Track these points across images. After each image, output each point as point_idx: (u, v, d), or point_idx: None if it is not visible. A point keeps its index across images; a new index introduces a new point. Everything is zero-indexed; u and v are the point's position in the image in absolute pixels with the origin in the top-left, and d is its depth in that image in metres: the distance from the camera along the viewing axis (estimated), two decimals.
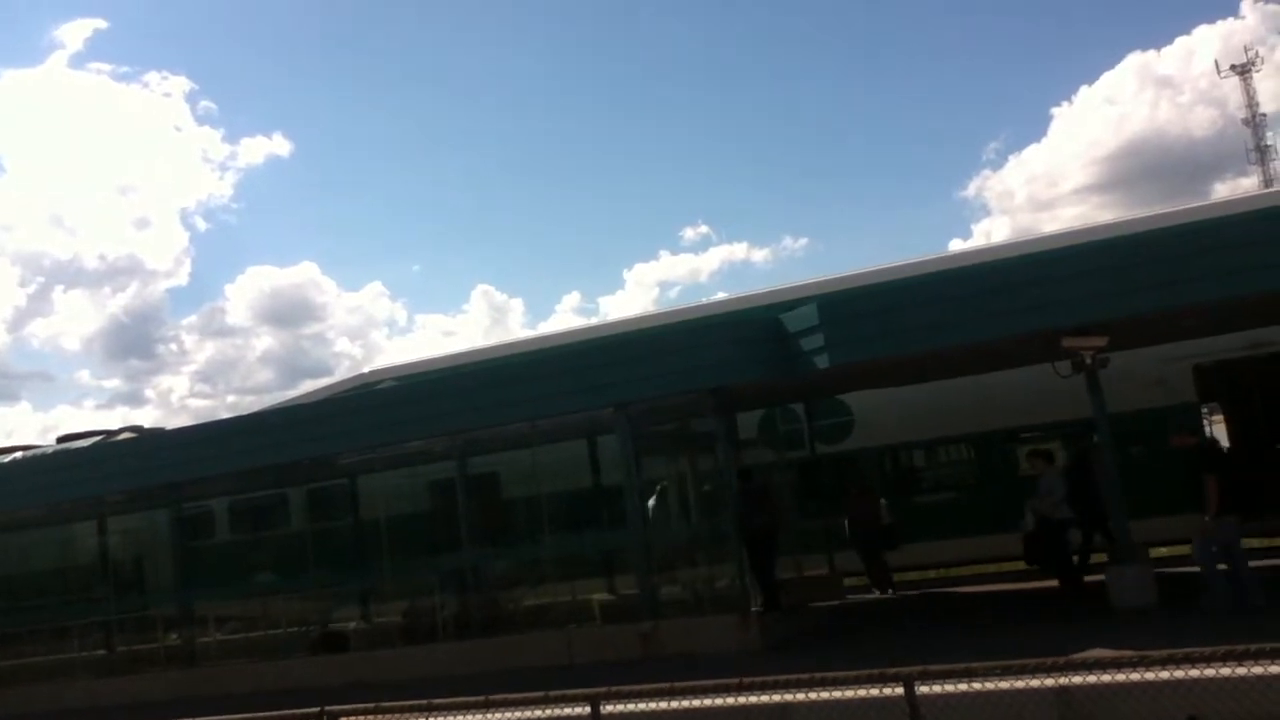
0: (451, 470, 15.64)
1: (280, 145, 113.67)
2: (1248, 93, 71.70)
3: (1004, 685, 7.01)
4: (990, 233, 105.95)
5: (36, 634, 18.98)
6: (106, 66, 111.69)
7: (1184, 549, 15.62)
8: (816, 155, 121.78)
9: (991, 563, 17.24)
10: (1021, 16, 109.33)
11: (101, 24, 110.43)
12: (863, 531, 16.37)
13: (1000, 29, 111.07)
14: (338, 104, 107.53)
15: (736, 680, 7.06)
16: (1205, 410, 17.98)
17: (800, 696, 6.94)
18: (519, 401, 14.17)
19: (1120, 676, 6.28)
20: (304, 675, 14.78)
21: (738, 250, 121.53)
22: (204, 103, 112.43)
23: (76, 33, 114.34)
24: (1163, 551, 15.55)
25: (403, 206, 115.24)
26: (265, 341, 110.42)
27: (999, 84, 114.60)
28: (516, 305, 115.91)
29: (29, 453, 22.21)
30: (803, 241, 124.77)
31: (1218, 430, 18.97)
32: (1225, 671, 5.92)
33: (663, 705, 7.87)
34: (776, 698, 7.28)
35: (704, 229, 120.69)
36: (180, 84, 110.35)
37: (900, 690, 6.47)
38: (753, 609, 13.18)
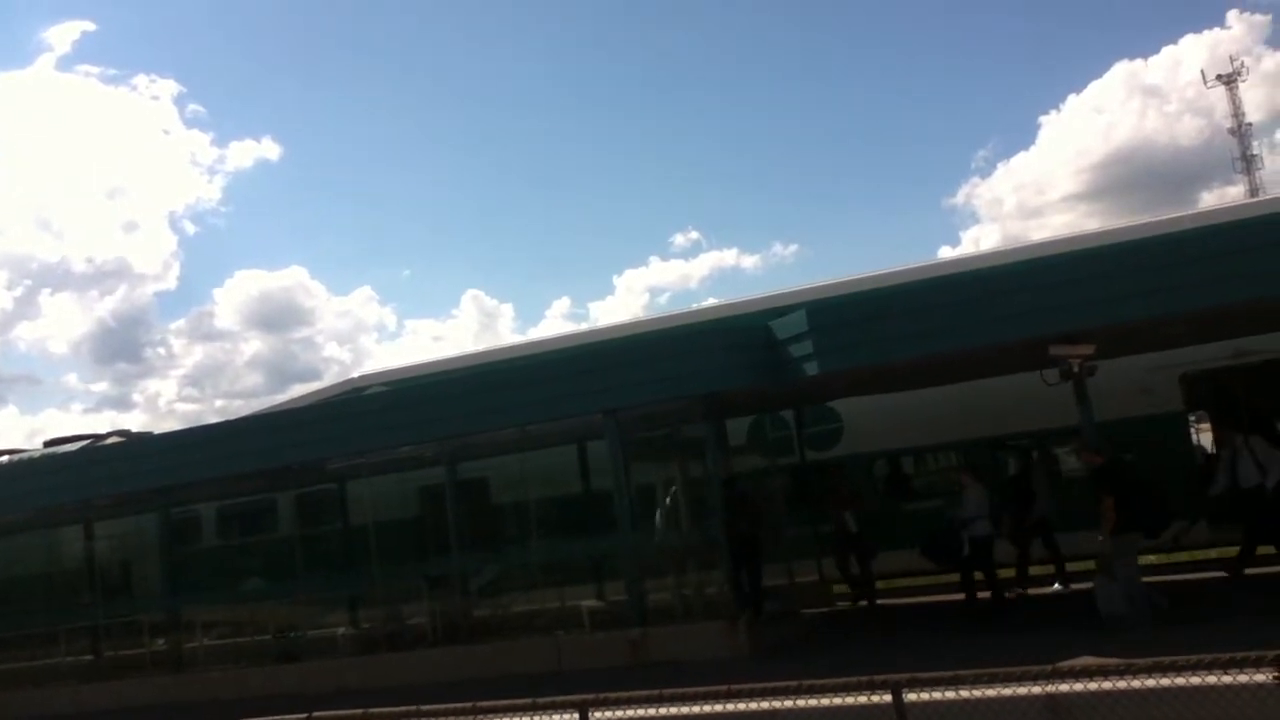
0: (441, 476, 15.61)
1: (269, 149, 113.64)
2: (1234, 102, 72.30)
3: (992, 693, 7.02)
4: (979, 240, 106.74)
5: (23, 639, 18.86)
6: (95, 69, 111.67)
7: (1178, 557, 15.79)
8: (807, 162, 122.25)
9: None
10: (1010, 26, 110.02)
11: (90, 26, 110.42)
12: (835, 539, 16.30)
13: (989, 38, 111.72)
14: (327, 108, 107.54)
15: (725, 687, 7.07)
16: (1192, 419, 18.02)
17: (788, 703, 6.95)
18: (508, 407, 14.17)
19: (1108, 684, 6.31)
20: (291, 681, 14.73)
21: (728, 256, 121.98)
22: (193, 106, 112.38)
23: (65, 35, 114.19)
24: (1152, 559, 15.60)
25: (392, 211, 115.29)
26: (254, 346, 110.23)
27: (988, 92, 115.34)
28: (506, 310, 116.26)
29: (16, 457, 22.09)
30: (793, 248, 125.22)
31: (1204, 439, 19.01)
32: (1211, 680, 5.95)
33: (651, 712, 7.85)
34: (765, 704, 7.29)
35: (694, 235, 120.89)
36: (169, 87, 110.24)
37: (889, 697, 6.49)
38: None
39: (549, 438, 15.02)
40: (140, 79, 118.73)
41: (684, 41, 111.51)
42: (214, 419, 46.09)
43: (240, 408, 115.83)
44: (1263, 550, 14.16)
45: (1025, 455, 16.16)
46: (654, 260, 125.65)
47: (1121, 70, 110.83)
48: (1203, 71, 78.29)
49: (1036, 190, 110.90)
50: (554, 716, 7.46)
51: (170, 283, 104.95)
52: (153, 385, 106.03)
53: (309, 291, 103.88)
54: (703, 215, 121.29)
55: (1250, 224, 14.33)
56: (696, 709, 8.00)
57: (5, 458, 21.86)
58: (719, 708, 7.74)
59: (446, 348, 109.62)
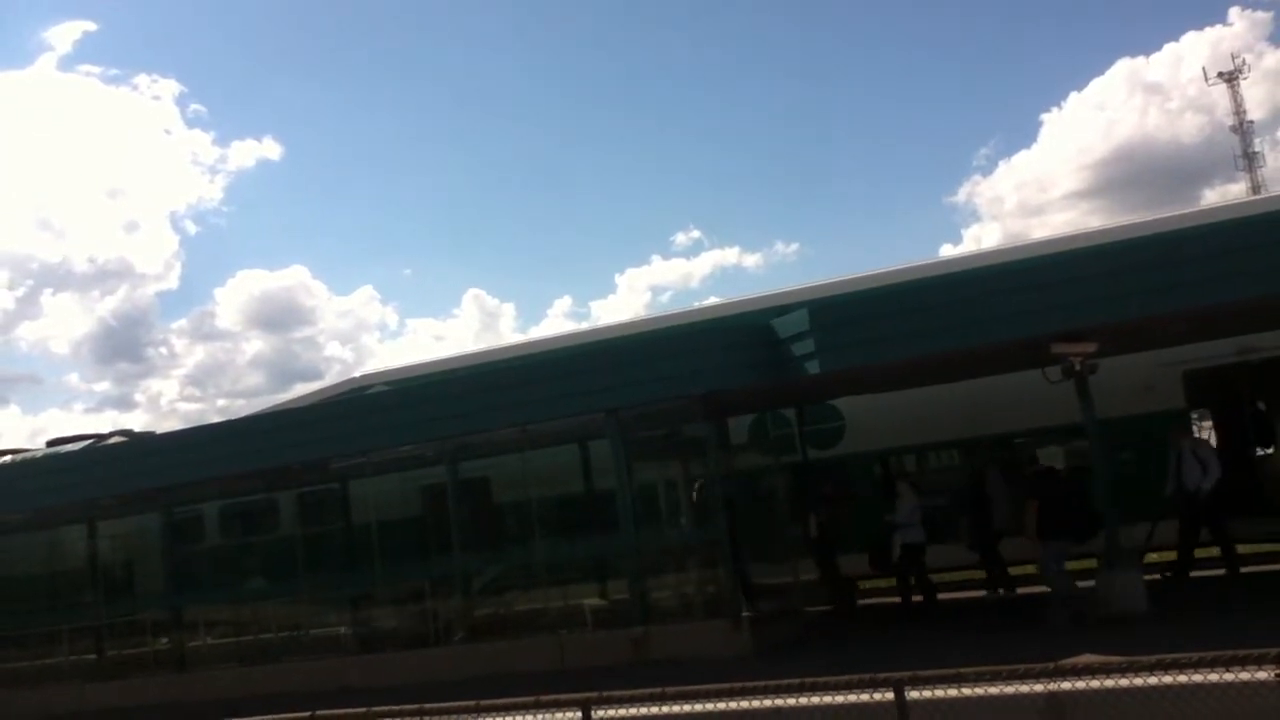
0: (443, 475, 15.63)
1: (271, 149, 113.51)
2: (1236, 99, 72.06)
3: (994, 690, 7.05)
4: (981, 238, 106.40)
5: (25, 638, 18.89)
6: (96, 69, 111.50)
7: (1174, 554, 15.76)
8: (808, 160, 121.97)
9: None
10: (1011, 23, 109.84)
11: (91, 26, 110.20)
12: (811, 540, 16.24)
13: (990, 35, 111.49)
14: (329, 108, 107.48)
15: (727, 685, 7.09)
16: (1195, 416, 18.01)
17: (790, 701, 6.96)
18: (510, 406, 14.19)
19: (1109, 682, 6.32)
20: (295, 680, 14.75)
21: (729, 255, 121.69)
22: (194, 106, 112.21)
23: (66, 35, 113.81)
24: (1154, 557, 15.59)
25: (394, 210, 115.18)
26: (255, 345, 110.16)
27: (989, 90, 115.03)
28: (508, 309, 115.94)
29: (18, 456, 22.11)
30: (794, 246, 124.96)
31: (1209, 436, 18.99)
32: (1213, 677, 5.97)
33: (654, 710, 7.87)
34: (767, 702, 7.30)
35: (695, 233, 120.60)
36: (170, 87, 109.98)
37: (890, 695, 6.50)
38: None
39: (551, 437, 15.02)
40: (141, 79, 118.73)
41: (684, 41, 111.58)
42: (216, 419, 46.29)
43: (242, 407, 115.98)
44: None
45: (983, 461, 16.08)
46: (655, 259, 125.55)
47: (1123, 67, 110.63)
48: (1204, 69, 77.88)
49: (1038, 188, 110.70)
50: (557, 715, 7.48)
51: (172, 282, 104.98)
52: (154, 385, 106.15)
53: (310, 291, 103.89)
54: (704, 214, 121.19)
55: (1252, 221, 14.36)
56: (699, 707, 8.02)
57: (8, 458, 21.87)
58: (721, 705, 7.75)
59: (448, 347, 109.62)
